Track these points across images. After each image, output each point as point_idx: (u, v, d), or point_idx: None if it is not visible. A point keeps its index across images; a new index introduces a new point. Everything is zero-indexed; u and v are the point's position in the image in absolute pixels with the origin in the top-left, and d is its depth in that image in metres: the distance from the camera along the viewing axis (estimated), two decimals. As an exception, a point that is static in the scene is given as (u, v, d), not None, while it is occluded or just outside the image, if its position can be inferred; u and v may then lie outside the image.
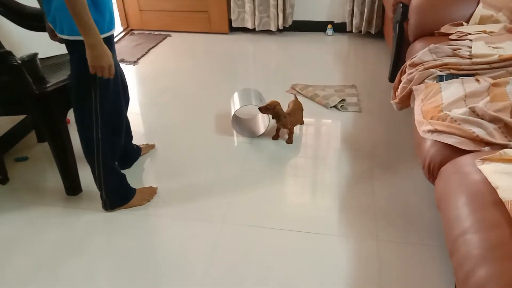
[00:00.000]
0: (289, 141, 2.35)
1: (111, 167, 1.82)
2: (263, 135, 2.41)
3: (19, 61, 1.72)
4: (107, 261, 1.64)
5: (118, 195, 1.90)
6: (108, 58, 1.48)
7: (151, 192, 1.99)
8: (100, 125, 1.69)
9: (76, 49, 1.53)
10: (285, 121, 2.28)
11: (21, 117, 2.45)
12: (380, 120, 2.53)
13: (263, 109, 2.24)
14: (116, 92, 1.73)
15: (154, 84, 3.13)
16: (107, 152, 1.76)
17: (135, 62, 3.52)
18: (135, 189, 1.94)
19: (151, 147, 2.34)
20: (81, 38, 1.44)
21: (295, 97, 2.49)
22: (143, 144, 2.33)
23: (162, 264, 1.61)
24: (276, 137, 2.39)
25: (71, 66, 1.63)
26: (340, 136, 2.40)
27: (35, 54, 1.90)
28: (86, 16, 1.38)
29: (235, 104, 2.39)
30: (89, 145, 1.72)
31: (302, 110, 2.45)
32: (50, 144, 1.89)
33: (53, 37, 1.75)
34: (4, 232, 1.80)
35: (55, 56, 2.14)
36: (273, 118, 2.29)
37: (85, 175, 2.06)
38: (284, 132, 2.41)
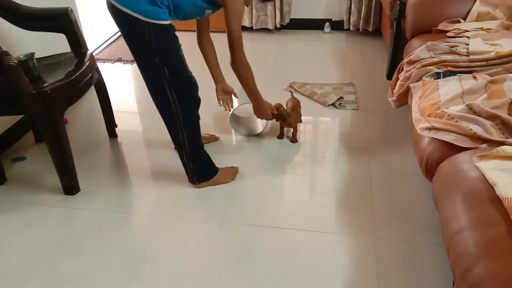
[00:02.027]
0: (294, 139, 2.33)
1: (201, 141, 1.94)
2: (262, 133, 2.41)
3: (16, 61, 1.72)
4: (104, 261, 1.64)
5: (205, 168, 2.00)
6: (268, 110, 2.11)
7: (234, 172, 2.08)
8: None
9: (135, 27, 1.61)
10: (290, 120, 2.27)
11: (19, 116, 2.45)
12: (378, 118, 2.53)
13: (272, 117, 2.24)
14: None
15: (152, 83, 3.13)
16: (199, 128, 1.91)
17: (132, 61, 3.51)
18: (217, 168, 2.03)
19: (213, 139, 2.39)
20: (142, 18, 1.56)
21: (291, 94, 2.49)
22: (206, 134, 2.37)
23: (160, 264, 1.61)
24: (281, 135, 2.38)
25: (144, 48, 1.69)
26: (338, 134, 2.40)
27: (32, 54, 1.89)
28: (256, 88, 1.96)
29: (233, 103, 2.38)
30: (192, 121, 1.86)
31: (300, 106, 2.45)
32: (47, 144, 1.89)
33: None
34: (1, 232, 1.80)
35: (52, 55, 2.14)
36: (277, 120, 2.28)
37: (83, 175, 2.06)
38: (287, 129, 2.40)
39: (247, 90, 1.94)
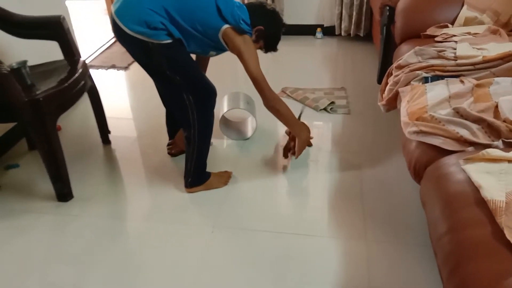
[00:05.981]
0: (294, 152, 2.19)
1: (208, 146, 1.98)
2: (254, 138, 2.43)
3: (8, 69, 1.73)
4: (98, 268, 1.64)
5: (201, 173, 2.00)
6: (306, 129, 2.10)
7: (227, 176, 2.08)
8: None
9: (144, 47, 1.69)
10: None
11: (12, 124, 2.45)
12: (369, 122, 2.56)
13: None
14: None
15: (145, 89, 3.14)
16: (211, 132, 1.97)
17: (126, 68, 3.53)
18: (209, 172, 2.03)
19: None
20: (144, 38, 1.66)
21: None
22: None
23: (153, 270, 1.62)
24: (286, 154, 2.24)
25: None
26: (330, 138, 2.42)
27: (25, 62, 1.90)
28: (293, 114, 1.98)
29: (224, 107, 2.41)
30: (209, 121, 1.91)
31: None
32: (40, 151, 1.89)
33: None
34: (-5, 240, 1.81)
35: (44, 63, 2.15)
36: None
37: (76, 182, 2.06)
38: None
39: (285, 120, 1.98)
